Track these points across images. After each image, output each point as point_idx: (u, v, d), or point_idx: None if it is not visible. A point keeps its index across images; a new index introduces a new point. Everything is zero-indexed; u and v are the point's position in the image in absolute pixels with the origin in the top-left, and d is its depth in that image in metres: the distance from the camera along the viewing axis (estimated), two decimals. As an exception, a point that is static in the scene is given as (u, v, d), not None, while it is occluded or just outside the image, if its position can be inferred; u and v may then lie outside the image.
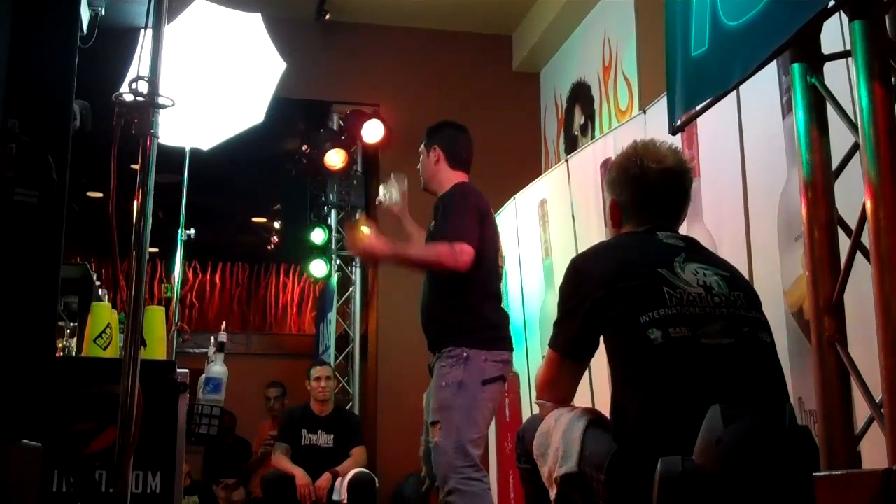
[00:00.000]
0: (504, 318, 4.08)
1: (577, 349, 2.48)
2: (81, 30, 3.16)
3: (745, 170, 3.63)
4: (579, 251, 3.48)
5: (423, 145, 4.24)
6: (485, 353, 3.82)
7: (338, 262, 8.36)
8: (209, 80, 4.11)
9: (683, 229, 2.65)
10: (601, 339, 2.44)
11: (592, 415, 2.49)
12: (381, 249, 3.92)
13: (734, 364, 2.28)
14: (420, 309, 4.10)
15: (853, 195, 2.07)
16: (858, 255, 2.00)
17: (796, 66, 2.17)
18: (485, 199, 4.08)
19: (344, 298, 8.38)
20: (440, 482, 3.74)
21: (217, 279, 12.21)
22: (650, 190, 2.55)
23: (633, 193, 2.57)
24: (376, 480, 6.29)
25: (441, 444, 3.75)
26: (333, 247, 8.32)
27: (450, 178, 4.12)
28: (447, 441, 3.73)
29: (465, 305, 3.90)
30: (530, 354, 5.77)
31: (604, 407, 2.53)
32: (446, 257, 3.79)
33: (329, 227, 8.33)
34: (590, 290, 2.39)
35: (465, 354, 3.80)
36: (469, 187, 4.08)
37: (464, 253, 3.78)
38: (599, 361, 2.49)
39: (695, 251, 2.49)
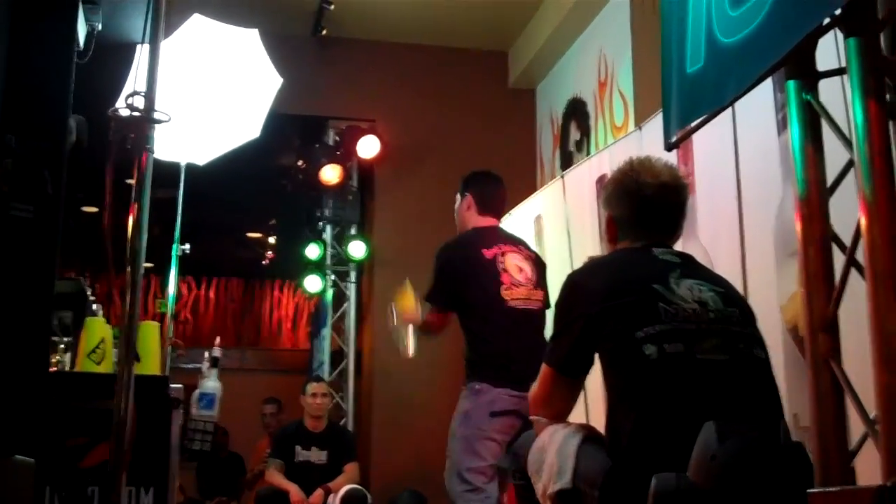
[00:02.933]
0: (512, 354, 3.97)
1: (572, 365, 2.48)
2: (78, 45, 3.17)
3: (741, 186, 3.64)
4: (575, 267, 3.47)
5: (459, 190, 4.39)
6: (496, 389, 3.91)
7: (332, 277, 8.35)
8: (205, 96, 4.11)
9: (679, 245, 2.65)
10: (596, 355, 2.44)
11: (587, 431, 2.48)
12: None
13: (729, 380, 2.27)
14: None
15: (848, 212, 2.07)
16: (853, 271, 2.00)
17: (791, 83, 2.18)
18: (483, 243, 4.15)
19: (339, 314, 8.36)
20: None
21: (211, 294, 12.18)
22: (646, 206, 2.55)
23: (629, 209, 2.57)
24: (369, 497, 6.26)
25: (446, 472, 3.92)
26: (328, 262, 8.31)
27: (476, 223, 4.27)
28: (450, 469, 3.90)
29: (471, 347, 4.06)
30: (525, 370, 5.76)
31: (598, 422, 2.53)
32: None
33: (324, 243, 8.31)
34: (585, 306, 2.39)
35: (477, 387, 3.92)
36: (475, 230, 4.23)
37: (427, 323, 4.15)
38: (594, 377, 2.49)
39: (690, 267, 2.49)
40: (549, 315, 4.15)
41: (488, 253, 4.10)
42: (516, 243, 4.25)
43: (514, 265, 4.12)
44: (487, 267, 4.06)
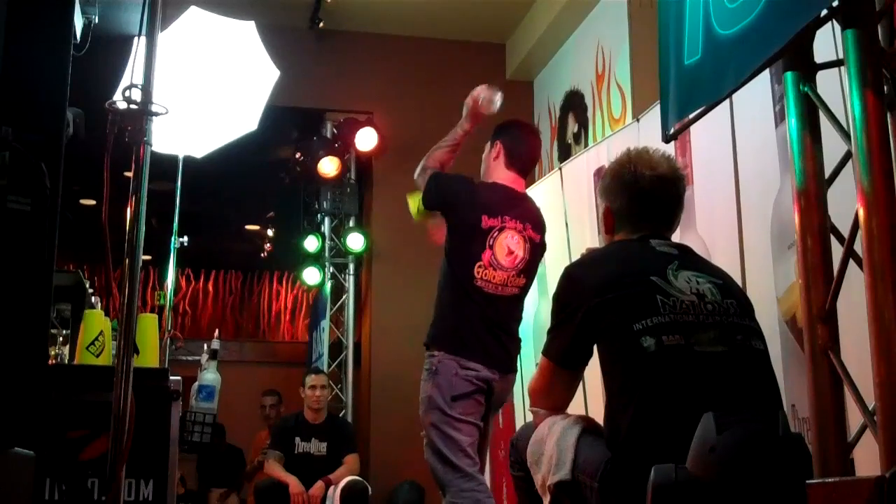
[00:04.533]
0: (486, 335, 3.87)
1: (570, 357, 2.48)
2: (75, 37, 3.17)
3: (739, 178, 3.64)
4: (573, 259, 3.48)
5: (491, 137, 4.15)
6: (455, 366, 3.75)
7: (331, 269, 8.35)
8: (203, 88, 4.11)
9: (676, 237, 2.65)
10: (594, 347, 2.44)
11: (586, 422, 2.49)
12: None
13: (727, 372, 2.28)
14: None
15: (846, 203, 2.08)
16: (851, 262, 2.00)
17: (789, 75, 2.17)
18: (499, 205, 3.94)
19: (337, 306, 8.37)
20: (442, 492, 3.75)
21: (210, 287, 12.19)
22: (643, 197, 2.55)
23: (627, 200, 2.57)
24: (369, 488, 6.27)
25: (429, 460, 3.78)
26: (327, 254, 8.31)
27: (499, 176, 4.04)
28: (433, 458, 3.75)
29: (438, 307, 3.92)
30: (523, 362, 5.76)
31: (597, 414, 2.54)
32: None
33: (322, 235, 8.32)
34: (583, 298, 2.40)
35: (434, 367, 3.77)
36: (493, 186, 4.02)
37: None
38: (593, 369, 2.49)
39: (688, 259, 2.49)
40: (529, 301, 4.13)
41: (488, 221, 3.88)
42: (524, 219, 3.97)
43: (505, 245, 3.89)
44: (478, 235, 3.87)
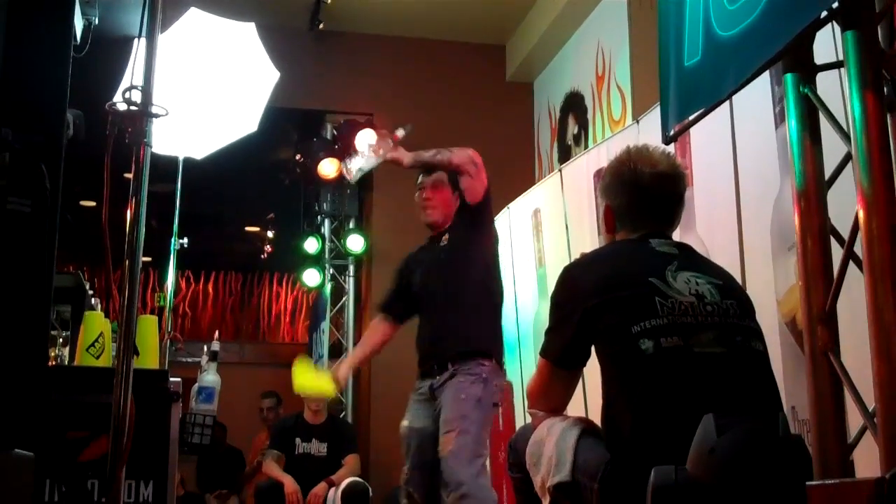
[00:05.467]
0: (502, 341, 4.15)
1: (568, 357, 2.47)
2: (75, 39, 3.16)
3: (738, 179, 3.64)
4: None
5: (447, 178, 4.23)
6: (495, 378, 3.92)
7: (331, 271, 8.35)
8: (203, 90, 4.11)
9: (677, 236, 2.64)
10: (593, 348, 2.44)
11: (585, 424, 2.48)
12: (402, 155, 4.13)
13: (727, 373, 2.27)
14: (426, 331, 4.12)
15: (846, 205, 2.07)
16: (851, 264, 2.00)
17: (789, 77, 2.17)
18: None
19: (337, 308, 8.37)
20: (453, 486, 3.70)
21: (210, 288, 12.18)
22: (644, 195, 2.54)
23: (627, 198, 2.56)
24: (370, 489, 6.27)
25: (457, 452, 3.74)
26: (327, 256, 8.31)
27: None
28: (463, 452, 3.74)
29: (489, 312, 4.06)
30: (524, 364, 5.77)
31: (597, 415, 2.53)
32: (458, 156, 4.02)
33: (322, 237, 8.32)
34: (582, 299, 2.39)
35: (484, 375, 3.86)
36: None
37: (476, 156, 4.01)
38: (593, 370, 2.49)
39: (688, 259, 2.48)
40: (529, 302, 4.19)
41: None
42: None
43: None
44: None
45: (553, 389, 2.57)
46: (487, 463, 3.93)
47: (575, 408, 2.84)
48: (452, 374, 3.88)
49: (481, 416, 3.82)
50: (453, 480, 3.71)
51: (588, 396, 4.38)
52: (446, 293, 4.03)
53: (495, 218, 4.26)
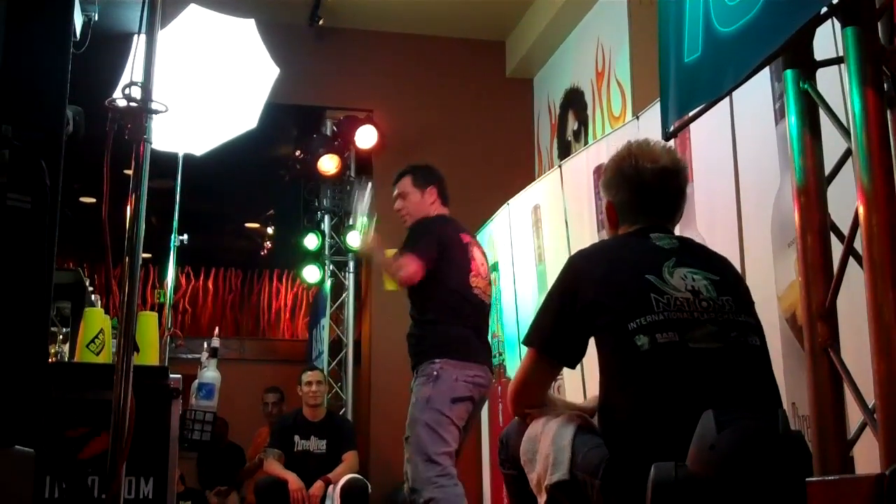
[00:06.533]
0: (476, 339, 4.20)
1: (555, 346, 2.44)
2: (74, 35, 3.16)
3: (738, 175, 3.64)
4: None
5: (411, 183, 4.46)
6: (456, 371, 3.98)
7: (331, 267, 8.35)
8: (202, 86, 4.11)
9: (677, 232, 2.64)
10: (591, 344, 2.42)
11: (580, 420, 2.46)
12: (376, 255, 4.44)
13: (722, 369, 2.27)
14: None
15: (846, 201, 2.08)
16: (851, 260, 2.00)
17: (789, 73, 2.17)
18: (460, 229, 4.34)
19: (337, 304, 8.37)
20: (416, 496, 3.88)
21: (210, 285, 12.19)
22: (645, 190, 2.53)
23: (629, 194, 2.55)
24: (369, 486, 6.27)
25: (412, 459, 3.91)
26: (327, 252, 8.31)
27: (440, 211, 4.44)
28: (417, 456, 3.90)
29: (431, 323, 4.13)
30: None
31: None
32: (395, 268, 4.15)
33: (322, 233, 8.32)
34: (580, 290, 2.38)
35: (435, 373, 3.97)
36: (445, 216, 4.42)
37: (408, 264, 4.07)
38: (593, 365, 2.48)
39: (687, 253, 2.47)
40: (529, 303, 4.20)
41: (464, 238, 4.31)
42: (474, 236, 4.52)
43: (479, 257, 4.34)
44: (462, 250, 4.24)
45: (534, 381, 2.51)
46: (450, 459, 3.97)
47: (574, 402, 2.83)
48: (415, 377, 4.10)
49: (432, 416, 3.93)
50: (414, 488, 3.90)
51: (587, 391, 4.38)
52: (410, 296, 4.29)
53: (494, 216, 4.30)
